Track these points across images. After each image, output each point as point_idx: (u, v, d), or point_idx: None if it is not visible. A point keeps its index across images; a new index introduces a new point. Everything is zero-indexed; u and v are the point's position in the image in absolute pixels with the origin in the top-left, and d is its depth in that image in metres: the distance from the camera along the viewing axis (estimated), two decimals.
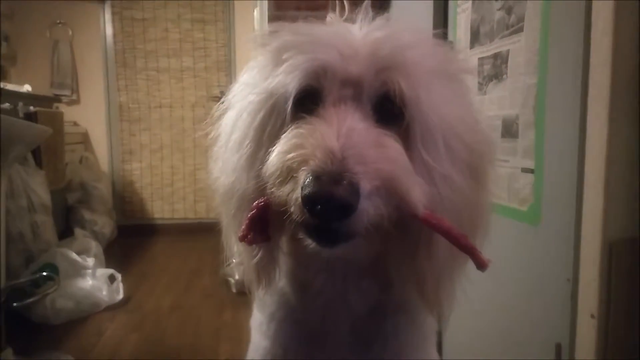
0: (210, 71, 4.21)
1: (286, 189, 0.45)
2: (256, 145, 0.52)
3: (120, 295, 2.49)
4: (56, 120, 3.11)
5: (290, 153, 0.45)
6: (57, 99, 3.72)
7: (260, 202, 0.50)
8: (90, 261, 2.53)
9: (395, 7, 2.00)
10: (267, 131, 0.52)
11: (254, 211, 0.50)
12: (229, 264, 2.89)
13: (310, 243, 0.48)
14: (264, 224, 0.51)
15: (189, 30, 4.17)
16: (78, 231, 3.08)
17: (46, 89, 3.89)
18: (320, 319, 0.60)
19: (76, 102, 4.10)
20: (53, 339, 2.06)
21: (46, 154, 2.92)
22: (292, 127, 0.49)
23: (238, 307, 2.35)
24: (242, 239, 0.51)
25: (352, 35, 0.52)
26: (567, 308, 0.97)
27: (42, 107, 3.05)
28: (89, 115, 4.11)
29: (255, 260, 0.56)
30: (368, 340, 0.61)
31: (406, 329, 0.62)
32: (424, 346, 0.65)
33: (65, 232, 3.22)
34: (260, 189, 0.50)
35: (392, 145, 0.47)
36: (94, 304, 2.35)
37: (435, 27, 1.54)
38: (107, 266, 2.67)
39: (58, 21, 4.00)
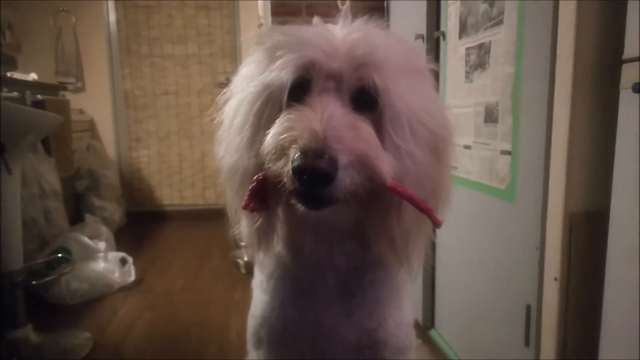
0: (215, 58, 4.30)
1: (280, 163, 0.57)
2: (255, 129, 0.63)
3: (132, 277, 2.66)
4: (63, 108, 3.18)
5: (283, 134, 0.57)
6: (62, 86, 3.78)
7: (260, 176, 0.61)
8: (101, 245, 2.69)
9: (392, 5, 2.15)
10: (264, 117, 0.63)
11: (254, 183, 0.61)
12: (239, 247, 3.07)
13: (300, 207, 0.59)
14: (263, 194, 0.62)
15: (193, 16, 4.25)
16: (89, 217, 3.24)
17: (51, 77, 3.98)
18: (311, 275, 0.75)
19: (81, 89, 4.19)
20: (70, 318, 2.22)
21: (55, 141, 3.00)
22: (285, 113, 0.59)
23: (247, 287, 2.46)
24: (245, 207, 0.63)
25: (334, 36, 0.62)
26: (535, 273, 1.12)
27: (49, 95, 3.14)
28: (94, 102, 4.21)
29: (256, 226, 0.68)
30: (351, 292, 0.75)
31: (382, 282, 0.76)
32: (397, 295, 0.79)
33: (75, 218, 3.35)
34: (259, 165, 0.61)
35: (365, 128, 0.58)
36: (107, 285, 2.51)
37: (429, 21, 1.68)
38: (118, 251, 2.81)
39: (61, 8, 4.06)
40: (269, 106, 0.63)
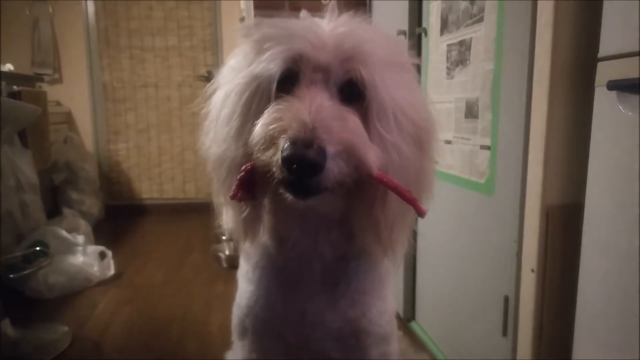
0: (196, 50, 4.26)
1: (269, 153, 0.58)
2: (243, 119, 0.64)
3: (112, 271, 2.61)
4: (40, 100, 3.10)
5: (272, 124, 0.57)
6: (39, 78, 3.71)
7: (248, 166, 0.62)
8: (80, 238, 2.64)
9: (375, 1, 2.16)
10: (252, 107, 0.63)
11: (242, 173, 0.62)
12: (220, 241, 3.06)
13: (288, 197, 0.60)
14: (251, 184, 0.63)
15: (173, 8, 4.20)
16: (67, 210, 3.19)
17: (27, 68, 3.90)
18: (296, 265, 0.76)
19: (58, 81, 4.11)
20: (48, 312, 2.17)
21: (31, 134, 2.92)
22: (274, 104, 0.60)
23: (229, 280, 2.43)
24: (233, 197, 0.64)
25: (321, 30, 0.63)
26: (513, 265, 1.15)
27: (25, 87, 3.06)
28: (72, 94, 4.13)
29: (243, 216, 0.69)
30: (335, 281, 0.77)
31: (365, 271, 0.78)
32: (380, 284, 0.81)
33: (53, 212, 3.30)
34: (247, 155, 0.62)
35: (352, 119, 0.60)
36: (85, 279, 2.46)
37: (411, 17, 1.70)
38: (97, 244, 2.76)
39: None
40: (257, 97, 0.64)
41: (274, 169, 0.57)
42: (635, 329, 0.79)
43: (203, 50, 4.27)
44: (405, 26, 1.73)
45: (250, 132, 0.61)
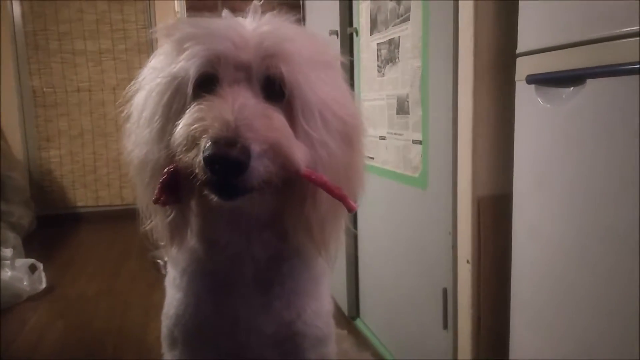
0: (130, 53, 4.10)
1: (191, 154, 0.55)
2: (164, 120, 0.61)
3: (43, 285, 2.43)
4: None
5: (193, 125, 0.55)
6: None
7: (171, 169, 0.59)
8: (8, 252, 2.44)
9: (308, 2, 2.14)
10: (173, 108, 0.61)
11: (165, 176, 0.60)
12: (157, 247, 2.92)
13: (213, 198, 0.57)
14: (174, 187, 0.60)
15: (105, 11, 4.03)
16: None
17: None
18: (227, 269, 0.72)
19: None
20: None
21: None
22: (195, 104, 0.58)
23: None
24: (156, 201, 0.61)
25: (243, 29, 0.61)
26: (449, 257, 1.15)
27: None
28: None
29: (168, 220, 0.65)
30: (269, 283, 0.73)
31: (300, 271, 0.75)
32: (315, 284, 0.78)
33: None
34: (170, 157, 0.59)
35: (277, 117, 0.58)
36: (14, 294, 2.28)
37: (342, 18, 1.69)
38: (28, 257, 2.57)
39: None
40: (178, 97, 0.61)
41: (197, 170, 0.55)
42: (567, 314, 0.80)
43: (138, 53, 4.12)
44: (337, 26, 1.72)
45: (171, 133, 0.58)
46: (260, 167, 0.54)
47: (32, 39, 3.95)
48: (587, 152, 0.74)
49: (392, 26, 1.34)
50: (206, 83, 0.60)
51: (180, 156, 0.57)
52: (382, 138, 1.44)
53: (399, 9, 1.30)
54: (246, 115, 0.54)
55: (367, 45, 1.52)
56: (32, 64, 3.97)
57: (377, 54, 1.44)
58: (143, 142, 0.64)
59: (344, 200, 0.61)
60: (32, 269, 2.46)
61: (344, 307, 1.85)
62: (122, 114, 0.70)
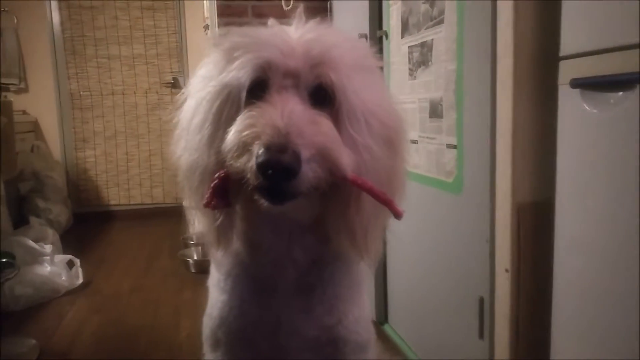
0: (161, 58, 4.16)
1: (243, 160, 0.55)
2: (215, 127, 0.61)
3: (80, 280, 2.47)
4: (6, 109, 2.98)
5: (245, 131, 0.55)
6: (5, 87, 3.53)
7: (221, 174, 0.59)
8: (47, 248, 2.48)
9: (335, 5, 2.10)
10: (224, 115, 0.60)
11: (216, 181, 0.59)
12: (187, 246, 2.93)
13: (263, 202, 0.57)
14: (224, 192, 0.60)
15: (138, 17, 4.09)
16: (34, 219, 3.00)
17: None
18: (270, 272, 0.71)
19: (25, 90, 3.94)
20: (14, 324, 2.04)
21: None
22: (245, 111, 0.58)
23: (197, 286, 2.35)
24: (207, 205, 0.60)
25: (289, 37, 0.61)
26: (486, 265, 1.09)
27: None
28: (38, 103, 3.97)
29: (217, 223, 0.64)
30: (310, 287, 0.71)
31: (341, 276, 0.73)
32: (357, 289, 0.76)
33: (19, 221, 3.12)
34: (220, 163, 0.59)
35: (325, 123, 0.57)
36: (53, 289, 2.32)
37: (371, 20, 1.64)
38: (65, 253, 2.62)
39: (2, 9, 3.75)
40: (228, 105, 0.61)
41: (249, 175, 0.54)
42: (612, 327, 0.75)
43: (168, 57, 4.18)
44: (366, 29, 1.67)
45: (222, 139, 0.58)
46: (309, 172, 0.53)
47: (70, 44, 4.04)
48: (635, 160, 0.69)
49: (425, 29, 1.30)
50: (255, 91, 0.60)
51: (231, 162, 0.56)
52: (414, 142, 1.39)
53: (432, 12, 1.25)
54: (295, 121, 0.54)
55: (398, 48, 1.48)
56: (70, 68, 4.07)
57: (409, 57, 1.39)
58: (193, 148, 0.64)
59: (391, 206, 0.59)
60: (70, 264, 2.51)
61: (372, 311, 1.81)
62: (171, 121, 0.70)
